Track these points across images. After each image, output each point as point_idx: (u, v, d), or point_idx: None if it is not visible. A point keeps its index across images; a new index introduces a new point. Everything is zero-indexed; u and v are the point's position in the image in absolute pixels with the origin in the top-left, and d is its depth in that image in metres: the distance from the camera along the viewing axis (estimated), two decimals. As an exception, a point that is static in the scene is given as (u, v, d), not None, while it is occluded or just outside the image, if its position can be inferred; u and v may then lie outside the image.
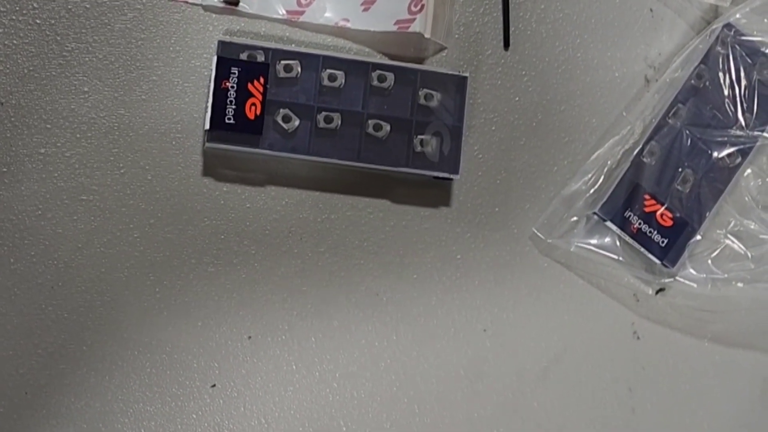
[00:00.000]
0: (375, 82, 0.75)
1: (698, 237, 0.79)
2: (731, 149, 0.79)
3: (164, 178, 0.74)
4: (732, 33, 0.80)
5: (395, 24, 0.75)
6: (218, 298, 0.75)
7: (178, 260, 0.74)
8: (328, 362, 0.76)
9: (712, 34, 0.80)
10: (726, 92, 0.79)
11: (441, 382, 0.78)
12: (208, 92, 0.72)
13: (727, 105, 0.79)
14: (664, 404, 0.81)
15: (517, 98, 0.80)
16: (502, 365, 0.79)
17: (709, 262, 0.80)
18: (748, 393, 0.82)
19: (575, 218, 0.79)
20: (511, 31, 0.80)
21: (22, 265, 0.72)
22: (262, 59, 0.73)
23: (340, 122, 0.74)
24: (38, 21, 0.73)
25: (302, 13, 0.76)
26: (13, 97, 0.73)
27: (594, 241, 0.79)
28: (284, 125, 0.73)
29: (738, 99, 0.79)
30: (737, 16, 0.80)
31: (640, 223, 0.78)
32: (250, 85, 0.73)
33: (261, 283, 0.75)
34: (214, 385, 0.75)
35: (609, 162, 0.80)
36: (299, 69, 0.74)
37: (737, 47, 0.80)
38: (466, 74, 0.76)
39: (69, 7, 0.74)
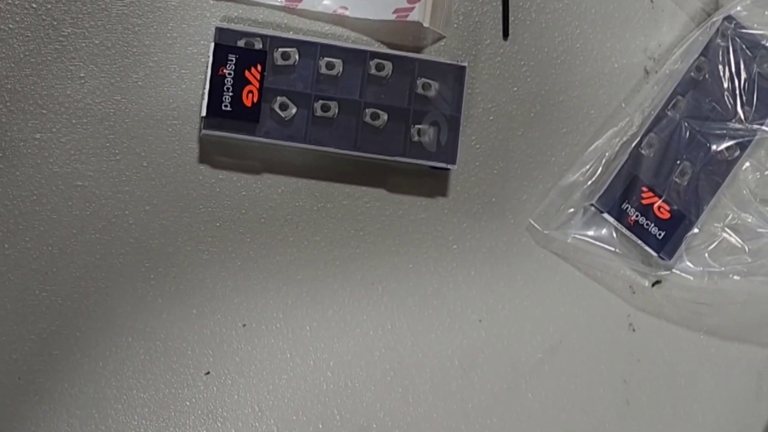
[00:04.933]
0: (373, 71, 0.74)
1: (695, 230, 0.79)
2: (730, 142, 0.79)
3: (160, 165, 0.74)
4: (732, 25, 0.79)
5: (394, 13, 0.75)
6: (213, 285, 0.75)
7: (173, 247, 0.74)
8: (322, 351, 0.76)
9: (712, 26, 0.79)
10: (726, 85, 0.79)
11: (435, 372, 0.77)
12: (205, 79, 0.72)
13: (726, 98, 0.79)
14: (659, 397, 0.80)
15: (515, 88, 0.80)
16: (496, 356, 0.78)
17: (706, 255, 0.80)
18: (742, 386, 0.82)
19: (572, 209, 0.79)
20: (510, 21, 0.79)
21: (16, 250, 0.72)
22: (260, 47, 0.73)
23: (337, 111, 0.74)
24: (34, 5, 0.73)
25: (301, 0, 0.76)
26: (8, 82, 0.72)
27: (591, 233, 0.79)
28: (281, 113, 0.73)
29: (737, 92, 0.79)
30: (738, 8, 0.79)
31: (637, 216, 0.78)
32: (247, 73, 0.72)
33: (256, 271, 0.75)
34: (208, 373, 0.74)
35: (607, 153, 0.79)
36: (297, 57, 0.73)
37: (737, 40, 0.79)
38: (465, 64, 0.75)
39: (66, -9, 0.73)
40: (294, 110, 0.73)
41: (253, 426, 0.75)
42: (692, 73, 0.79)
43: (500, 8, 0.79)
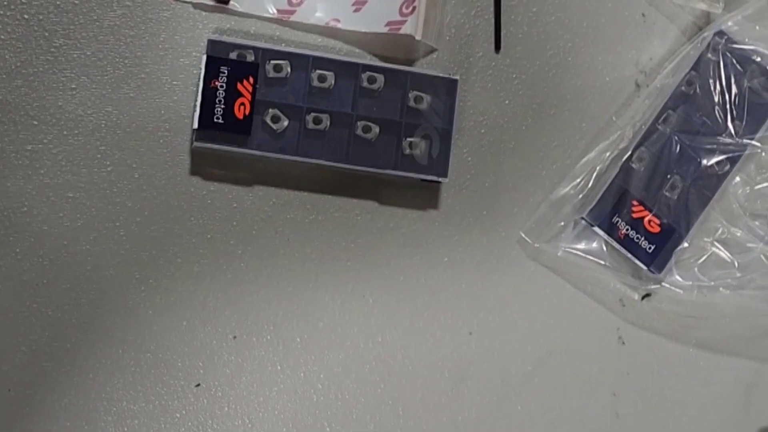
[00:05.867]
0: (365, 84, 0.74)
1: (685, 244, 0.79)
2: (720, 157, 0.79)
3: (151, 177, 0.74)
4: (723, 40, 0.79)
5: (386, 25, 0.75)
6: (204, 297, 0.75)
7: (164, 259, 0.74)
8: (313, 363, 0.76)
9: (703, 41, 0.80)
10: (716, 99, 0.79)
11: (426, 385, 0.78)
12: (197, 91, 0.72)
13: (717, 112, 0.79)
14: (648, 410, 0.81)
15: (507, 101, 0.80)
16: (487, 368, 0.79)
17: (696, 269, 0.80)
18: (731, 399, 0.82)
19: (563, 223, 0.79)
20: (502, 34, 0.79)
21: (6, 261, 0.72)
22: (252, 59, 0.73)
23: (329, 123, 0.74)
24: (26, 16, 0.73)
25: (293, 12, 0.76)
26: None
27: (581, 246, 0.79)
28: (273, 125, 0.73)
29: (728, 106, 0.79)
30: (729, 23, 0.80)
31: (627, 229, 0.78)
32: (239, 85, 0.72)
33: (247, 283, 0.75)
34: (198, 385, 0.74)
35: (598, 167, 0.80)
36: (289, 69, 0.73)
37: (728, 54, 0.79)
38: (457, 77, 0.76)
39: (57, 2, 0.73)
40: (286, 123, 0.73)
41: (243, 438, 0.75)
42: (683, 88, 0.79)
43: (492, 21, 0.79)
